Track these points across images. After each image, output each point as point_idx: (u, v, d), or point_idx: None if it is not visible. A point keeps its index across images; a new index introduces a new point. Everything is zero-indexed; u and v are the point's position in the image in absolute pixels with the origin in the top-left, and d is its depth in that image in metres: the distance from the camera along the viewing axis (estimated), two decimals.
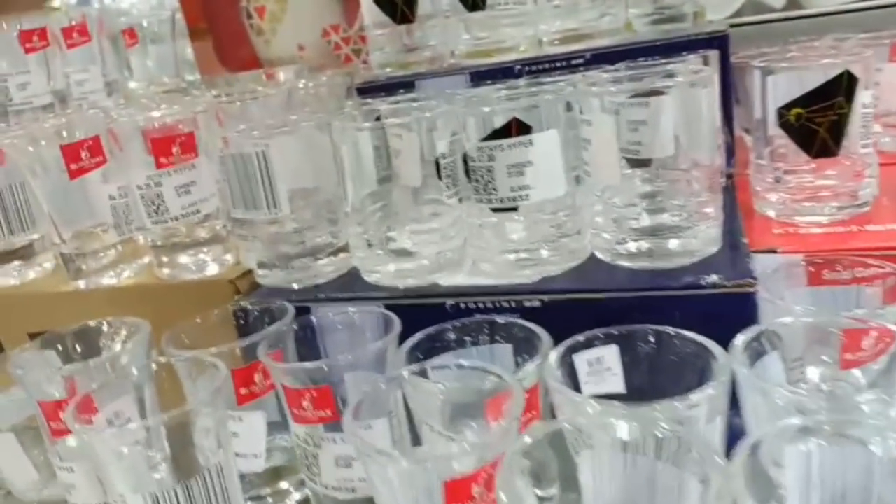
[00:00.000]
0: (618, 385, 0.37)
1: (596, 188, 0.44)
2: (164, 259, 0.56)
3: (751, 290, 0.38)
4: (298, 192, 0.50)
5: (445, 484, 0.30)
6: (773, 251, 0.43)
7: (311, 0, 0.91)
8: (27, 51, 0.73)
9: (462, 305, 0.45)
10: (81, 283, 0.59)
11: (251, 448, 0.45)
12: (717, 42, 0.53)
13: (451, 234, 0.48)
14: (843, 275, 0.40)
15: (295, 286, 0.51)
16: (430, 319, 0.41)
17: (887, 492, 0.28)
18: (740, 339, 0.33)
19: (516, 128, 0.42)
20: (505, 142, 0.42)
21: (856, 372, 0.37)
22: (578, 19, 0.60)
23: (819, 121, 0.44)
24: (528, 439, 0.29)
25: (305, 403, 0.39)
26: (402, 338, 0.40)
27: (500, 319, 0.41)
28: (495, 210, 0.44)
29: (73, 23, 0.78)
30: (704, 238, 0.42)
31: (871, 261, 0.39)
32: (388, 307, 0.45)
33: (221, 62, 1.01)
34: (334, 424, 0.40)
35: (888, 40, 0.58)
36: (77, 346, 0.50)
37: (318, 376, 0.40)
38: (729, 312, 0.38)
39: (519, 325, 0.40)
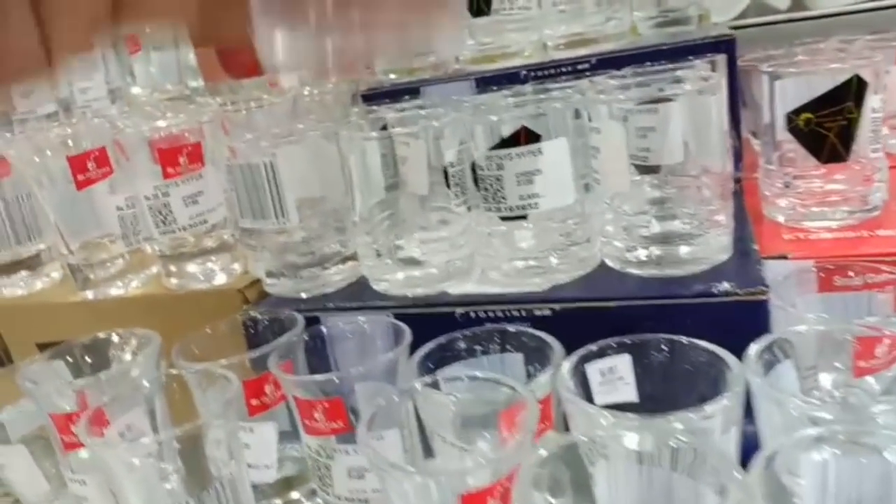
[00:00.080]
0: (630, 394, 0.37)
1: (605, 196, 0.44)
2: (172, 268, 0.56)
3: (763, 297, 0.38)
4: (306, 202, 0.50)
5: (462, 497, 0.30)
6: (784, 257, 0.43)
7: None
8: None
9: (472, 314, 0.44)
10: (89, 294, 0.59)
11: (262, 459, 0.45)
12: (724, 46, 0.53)
13: (459, 242, 0.47)
14: (855, 281, 0.40)
15: (303, 295, 0.51)
16: (440, 328, 0.41)
17: None
18: (754, 349, 0.33)
19: (525, 136, 0.42)
20: (514, 150, 0.42)
21: (869, 379, 0.36)
22: (584, 24, 0.60)
23: (828, 126, 0.44)
24: (544, 452, 0.29)
25: (317, 415, 0.39)
26: (412, 346, 0.40)
27: (511, 328, 0.40)
28: (504, 218, 0.44)
29: None
30: (715, 245, 0.42)
31: (882, 266, 0.39)
32: (397, 316, 0.45)
33: (224, 68, 1.01)
34: (346, 436, 0.40)
35: (895, 42, 0.58)
36: (87, 358, 0.50)
37: (329, 388, 0.40)
38: (741, 320, 0.38)
39: (530, 335, 0.40)
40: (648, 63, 0.49)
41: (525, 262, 0.45)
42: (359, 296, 0.49)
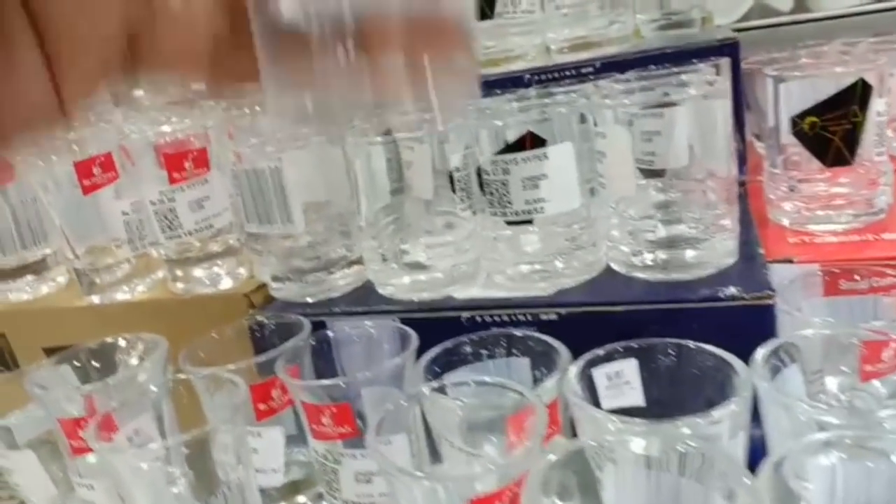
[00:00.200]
0: (637, 398, 0.37)
1: (610, 200, 0.44)
2: (178, 273, 0.57)
3: (769, 301, 0.38)
4: (311, 206, 0.51)
5: (470, 502, 0.30)
6: (790, 261, 0.43)
7: None
8: None
9: (478, 318, 0.45)
10: (95, 298, 0.59)
11: (270, 463, 0.45)
12: (728, 49, 0.53)
13: (465, 246, 0.48)
14: (861, 284, 0.40)
15: (309, 300, 0.51)
16: (446, 332, 0.41)
17: None
18: (760, 353, 0.33)
19: (531, 141, 0.42)
20: (519, 155, 0.42)
21: (876, 383, 0.37)
22: (587, 27, 0.60)
23: (833, 129, 0.44)
24: (553, 457, 0.29)
25: (325, 420, 0.40)
26: (418, 350, 0.40)
27: (518, 333, 0.41)
28: (510, 223, 0.44)
29: None
30: (721, 249, 0.42)
31: (888, 270, 0.39)
32: (403, 320, 0.45)
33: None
34: (353, 440, 0.40)
35: None
36: (94, 362, 0.50)
37: (336, 392, 0.40)
38: (747, 324, 0.38)
39: (536, 339, 0.40)
40: (652, 66, 0.49)
41: (531, 266, 0.45)
42: (365, 300, 0.50)
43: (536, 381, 0.40)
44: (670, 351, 0.36)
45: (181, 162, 0.53)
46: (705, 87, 0.42)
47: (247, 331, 0.49)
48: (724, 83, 0.43)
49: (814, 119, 0.44)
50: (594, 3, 0.59)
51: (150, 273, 0.60)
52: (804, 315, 0.38)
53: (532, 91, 0.50)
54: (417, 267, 0.48)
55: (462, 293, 0.47)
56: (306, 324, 0.46)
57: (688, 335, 0.36)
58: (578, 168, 0.43)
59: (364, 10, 0.14)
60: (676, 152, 0.42)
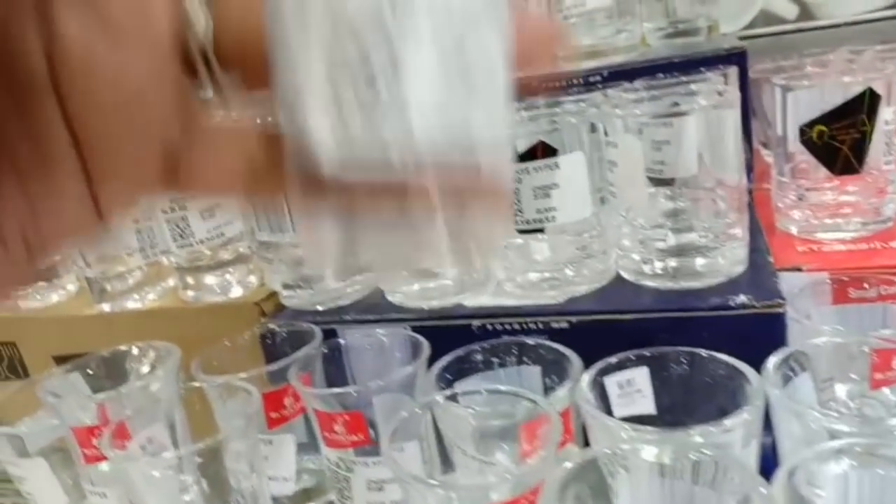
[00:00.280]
0: (648, 407, 0.37)
1: (621, 208, 0.44)
2: (189, 281, 0.57)
3: (780, 310, 0.38)
4: None
5: None
6: (798, 269, 0.43)
7: None
8: None
9: (489, 326, 0.45)
10: (106, 306, 0.60)
11: (281, 471, 0.45)
12: (736, 58, 0.53)
13: None
14: (869, 293, 0.41)
15: (319, 308, 0.51)
16: (457, 340, 0.41)
17: None
18: (772, 361, 0.34)
19: (542, 150, 0.42)
20: (531, 164, 0.42)
21: (886, 391, 0.37)
22: (594, 36, 0.60)
23: (842, 138, 0.44)
24: (568, 465, 0.29)
25: (338, 428, 0.40)
26: (429, 358, 0.41)
27: (529, 341, 0.41)
28: (521, 231, 0.44)
29: None
30: (731, 258, 0.43)
31: None
32: (413, 328, 0.45)
33: None
34: (366, 448, 0.40)
35: None
36: (105, 371, 0.50)
37: (348, 400, 0.40)
38: (758, 333, 0.39)
39: (547, 347, 0.40)
40: (660, 75, 0.50)
41: (541, 274, 0.45)
42: (375, 308, 0.50)
43: (547, 389, 0.40)
44: (682, 359, 0.36)
45: None
46: (715, 96, 0.42)
47: (258, 339, 0.50)
48: (734, 92, 0.43)
49: (822, 128, 0.44)
50: (602, 12, 0.59)
51: (160, 281, 0.61)
52: (814, 323, 0.38)
53: (540, 100, 0.50)
54: (426, 274, 0.48)
55: (472, 301, 0.47)
56: (318, 332, 0.46)
57: (698, 343, 0.36)
58: (589, 177, 0.43)
59: (405, 172, 0.14)
60: (686, 161, 0.42)
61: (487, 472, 0.36)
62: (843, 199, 0.47)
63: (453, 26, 0.14)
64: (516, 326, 0.44)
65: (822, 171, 0.46)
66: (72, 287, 0.66)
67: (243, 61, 0.16)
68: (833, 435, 0.30)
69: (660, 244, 0.43)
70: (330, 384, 0.45)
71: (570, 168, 0.42)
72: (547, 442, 0.32)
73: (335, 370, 0.45)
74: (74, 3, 0.14)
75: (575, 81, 0.59)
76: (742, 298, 0.39)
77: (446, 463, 0.40)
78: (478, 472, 0.37)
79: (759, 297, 0.39)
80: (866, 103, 0.44)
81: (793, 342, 0.38)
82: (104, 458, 0.43)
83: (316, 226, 0.15)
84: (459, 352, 0.41)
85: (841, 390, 0.37)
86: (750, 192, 0.56)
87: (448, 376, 0.40)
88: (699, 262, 0.42)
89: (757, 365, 0.34)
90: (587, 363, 0.37)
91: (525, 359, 0.41)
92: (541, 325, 0.43)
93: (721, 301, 0.40)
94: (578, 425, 0.37)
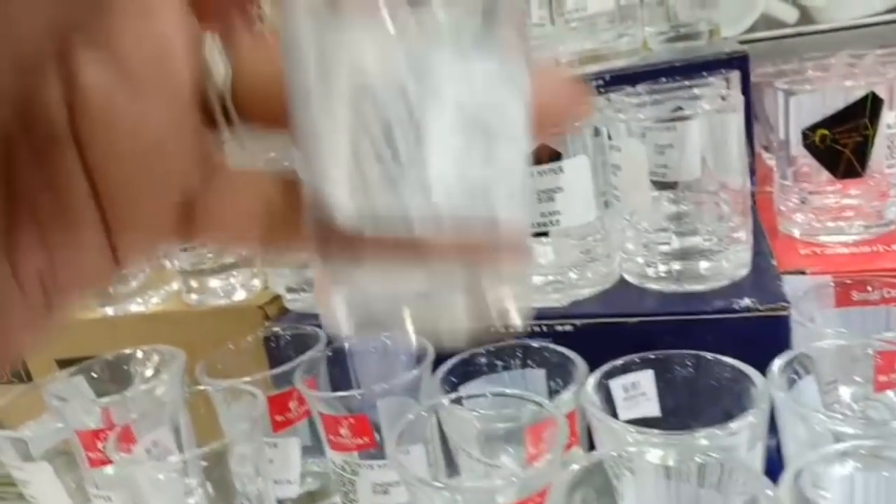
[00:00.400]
0: (652, 409, 0.37)
1: (624, 212, 0.45)
2: (193, 284, 0.57)
3: (784, 313, 0.39)
4: None
5: None
6: (802, 272, 0.43)
7: None
8: None
9: (492, 329, 0.45)
10: (109, 310, 0.60)
11: (286, 474, 0.45)
12: (738, 62, 0.53)
13: None
14: (872, 295, 0.41)
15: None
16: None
17: None
18: (777, 364, 0.34)
19: (546, 154, 0.42)
20: (535, 168, 0.42)
21: (890, 393, 0.37)
22: (596, 40, 0.61)
23: (844, 142, 0.44)
24: (575, 467, 0.29)
25: (343, 431, 0.40)
26: (433, 361, 0.41)
27: (534, 344, 0.41)
28: None
29: None
30: (735, 261, 0.43)
31: None
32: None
33: None
34: (371, 451, 0.40)
35: None
36: (108, 374, 0.50)
37: (353, 404, 0.40)
38: (762, 336, 0.39)
39: (552, 350, 0.40)
40: (662, 79, 0.50)
41: (545, 277, 0.46)
42: None
43: (552, 392, 0.40)
44: (687, 362, 0.36)
45: None
46: (718, 101, 0.43)
47: (262, 342, 0.50)
48: (737, 96, 0.43)
49: (825, 132, 0.45)
50: (603, 16, 0.60)
51: (164, 284, 0.61)
52: (817, 326, 0.38)
53: None
54: None
55: None
56: (322, 335, 0.47)
57: (702, 346, 0.36)
58: (593, 181, 0.43)
59: (424, 232, 0.14)
60: (689, 165, 0.42)
61: (493, 475, 0.36)
62: (845, 203, 0.47)
63: (475, 94, 0.14)
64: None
65: (825, 175, 0.47)
66: None
67: (262, 110, 0.16)
68: (838, 437, 0.30)
69: (663, 247, 0.43)
70: (334, 388, 0.45)
71: (574, 172, 0.42)
72: (553, 445, 0.32)
73: (340, 373, 0.46)
74: (95, 54, 0.14)
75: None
76: (746, 301, 0.40)
77: (451, 466, 0.40)
78: (483, 476, 0.37)
79: (763, 300, 0.39)
80: (869, 107, 0.44)
81: (796, 345, 0.38)
82: (109, 461, 0.43)
83: (332, 284, 0.15)
84: (464, 355, 0.41)
85: (845, 393, 0.37)
86: (752, 195, 0.56)
87: (453, 379, 0.40)
88: (703, 265, 0.42)
89: (761, 368, 0.34)
90: (591, 366, 0.37)
91: (529, 362, 0.41)
92: (545, 329, 0.43)
93: (725, 304, 0.40)
94: (583, 428, 0.37)
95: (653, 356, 0.36)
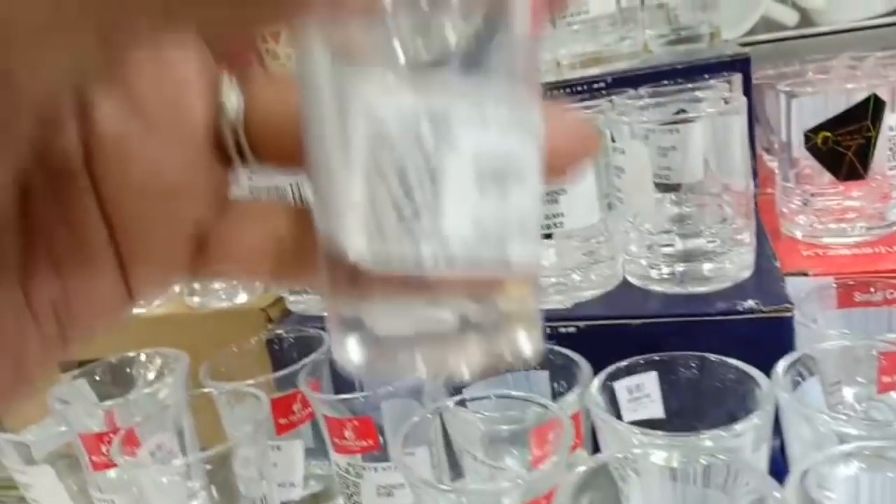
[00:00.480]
0: (656, 411, 0.38)
1: (628, 214, 0.45)
2: (196, 287, 0.57)
3: (787, 314, 0.39)
4: None
5: None
6: (804, 274, 0.44)
7: None
8: None
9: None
10: None
11: (289, 476, 0.45)
12: (739, 65, 0.53)
13: None
14: (875, 297, 0.41)
15: (326, 313, 0.51)
16: None
17: None
18: (781, 366, 0.34)
19: None
20: None
21: (893, 394, 0.37)
22: (598, 43, 0.61)
23: (847, 144, 0.44)
24: (581, 471, 0.29)
25: (347, 433, 0.40)
26: None
27: None
28: None
29: None
30: (738, 263, 0.43)
31: None
32: None
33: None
34: (375, 454, 0.40)
35: None
36: (111, 377, 0.50)
37: (357, 406, 0.40)
38: (765, 337, 0.39)
39: (556, 352, 0.40)
40: (664, 81, 0.50)
41: (548, 279, 0.46)
42: None
43: (555, 394, 0.40)
44: (692, 364, 0.36)
45: None
46: (720, 103, 0.43)
47: (265, 345, 0.50)
48: (740, 99, 0.43)
49: (827, 134, 0.45)
50: (605, 19, 0.60)
51: None
52: (820, 327, 0.38)
53: None
54: None
55: None
56: (325, 337, 0.47)
57: (706, 348, 0.36)
58: (596, 183, 0.43)
59: (436, 269, 0.14)
60: (692, 167, 0.42)
61: (498, 478, 0.36)
62: (847, 204, 0.47)
63: (489, 140, 0.14)
64: None
65: (827, 177, 0.47)
66: None
67: (275, 147, 0.16)
68: (842, 438, 0.30)
69: (667, 249, 0.43)
70: (338, 390, 0.45)
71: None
72: (558, 447, 0.32)
73: (343, 376, 0.45)
74: (111, 92, 0.14)
75: (579, 88, 0.59)
76: (750, 303, 0.40)
77: (455, 468, 0.40)
78: (487, 478, 0.37)
79: (767, 301, 0.40)
80: (871, 109, 0.44)
81: (800, 346, 0.38)
82: (113, 464, 0.43)
83: (342, 321, 0.16)
84: None
85: (848, 394, 0.38)
86: (754, 197, 0.56)
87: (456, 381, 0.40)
88: (706, 266, 0.43)
89: (764, 369, 0.34)
90: (595, 368, 0.37)
91: (533, 364, 0.41)
92: (548, 330, 0.43)
93: (728, 306, 0.40)
94: (588, 430, 0.37)
95: (657, 358, 0.37)
